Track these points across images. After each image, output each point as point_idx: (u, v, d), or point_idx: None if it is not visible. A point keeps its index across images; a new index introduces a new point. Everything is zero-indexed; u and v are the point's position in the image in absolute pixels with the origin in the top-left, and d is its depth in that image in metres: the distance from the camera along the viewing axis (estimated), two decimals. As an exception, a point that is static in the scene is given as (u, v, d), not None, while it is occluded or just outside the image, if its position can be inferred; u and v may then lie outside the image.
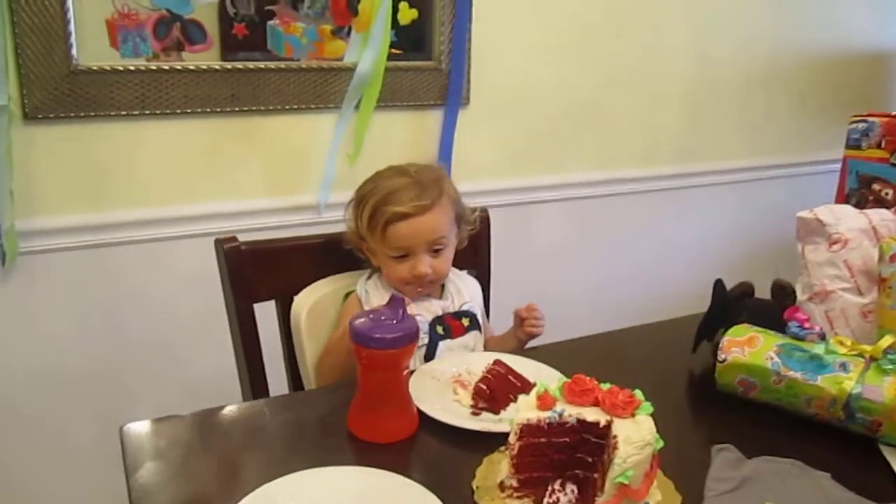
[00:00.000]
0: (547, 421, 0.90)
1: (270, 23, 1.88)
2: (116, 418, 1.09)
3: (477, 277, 1.59)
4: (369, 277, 1.38)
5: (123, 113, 1.77)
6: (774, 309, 1.21)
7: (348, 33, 1.96)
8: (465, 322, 1.37)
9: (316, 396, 1.17)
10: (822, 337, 1.11)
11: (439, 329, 1.33)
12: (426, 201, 1.29)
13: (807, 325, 1.13)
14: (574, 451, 0.92)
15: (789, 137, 2.77)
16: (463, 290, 1.42)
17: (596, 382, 0.94)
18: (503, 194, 2.27)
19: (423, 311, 1.33)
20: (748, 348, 1.12)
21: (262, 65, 1.88)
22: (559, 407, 0.91)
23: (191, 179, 1.89)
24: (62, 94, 1.70)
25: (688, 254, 2.66)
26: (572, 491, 0.92)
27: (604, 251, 2.51)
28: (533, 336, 1.38)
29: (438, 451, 1.03)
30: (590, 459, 0.92)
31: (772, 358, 1.10)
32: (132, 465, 0.95)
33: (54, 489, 1.88)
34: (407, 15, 2.01)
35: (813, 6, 2.66)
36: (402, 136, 2.12)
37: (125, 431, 1.02)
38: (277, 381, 1.44)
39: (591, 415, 0.91)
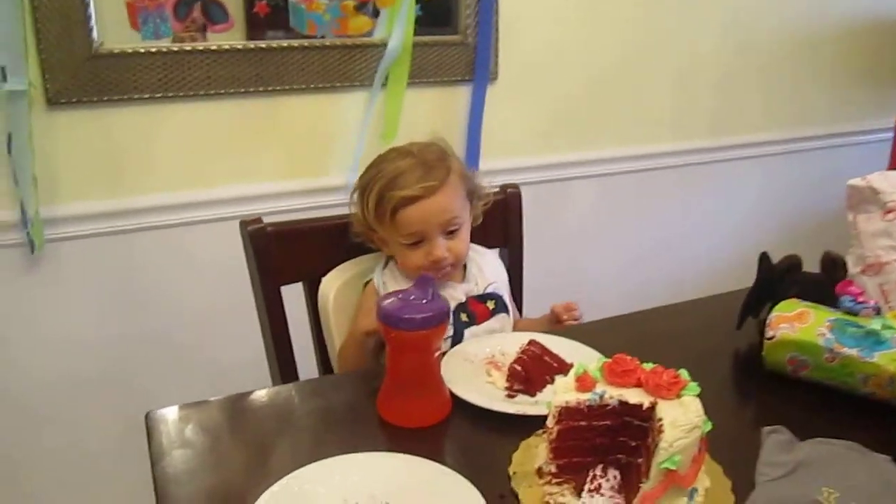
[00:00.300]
0: (587, 403, 0.86)
1: (292, 0, 1.84)
2: (141, 404, 1.06)
3: (508, 257, 1.55)
4: (385, 265, 1.33)
5: (146, 96, 1.75)
6: (825, 283, 1.15)
7: (373, 9, 1.91)
8: (491, 305, 1.31)
9: (346, 381, 1.14)
10: (878, 311, 1.05)
11: (463, 316, 1.28)
12: (434, 181, 1.22)
13: (861, 299, 1.06)
14: (616, 435, 0.88)
15: (833, 106, 2.65)
16: (485, 269, 1.36)
17: (638, 362, 0.89)
18: (533, 171, 2.21)
19: (447, 299, 1.29)
20: (798, 324, 1.06)
21: (285, 43, 1.84)
22: (600, 388, 0.86)
23: (214, 162, 1.86)
24: (83, 78, 1.68)
25: (725, 230, 2.57)
26: (615, 477, 0.87)
27: (637, 228, 2.44)
28: None
29: (473, 436, 0.99)
30: (633, 444, 0.87)
31: (824, 334, 1.04)
32: (157, 452, 0.92)
33: (78, 471, 1.88)
34: (432, -12, 1.95)
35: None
36: (430, 114, 2.07)
37: (151, 417, 0.99)
38: (307, 366, 1.42)
39: (634, 396, 0.86)
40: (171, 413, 1.01)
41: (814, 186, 2.63)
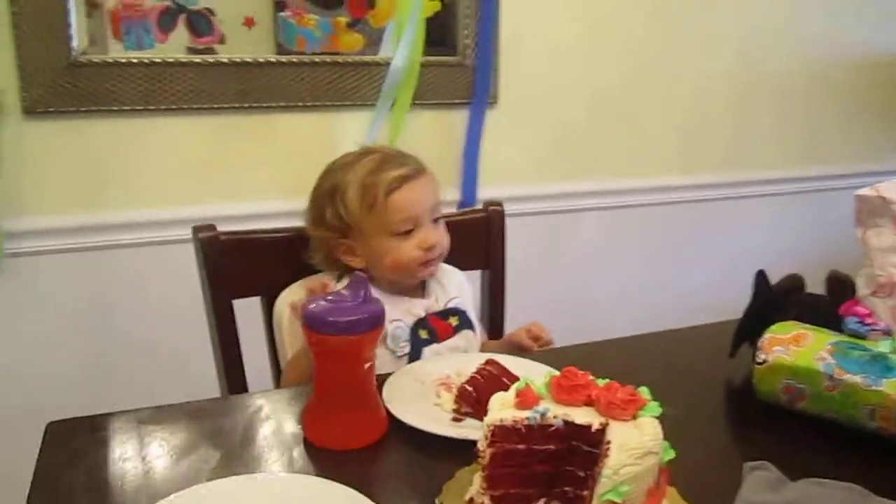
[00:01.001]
0: (525, 423, 0.72)
1: (282, 14, 1.79)
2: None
3: (490, 281, 1.43)
4: (340, 279, 1.21)
5: (126, 108, 1.69)
6: (830, 305, 1.00)
7: (368, 27, 1.84)
8: (454, 321, 1.20)
9: (280, 396, 1.01)
10: (888, 333, 0.90)
11: (423, 333, 1.17)
12: (417, 165, 1.19)
13: (868, 320, 0.92)
14: (562, 463, 0.74)
15: (850, 144, 2.50)
16: (448, 286, 1.26)
17: (591, 377, 0.75)
18: (532, 201, 2.10)
19: (403, 314, 1.17)
20: (794, 347, 0.91)
21: (273, 59, 1.78)
22: (542, 406, 0.73)
23: (196, 179, 1.79)
24: (62, 87, 1.63)
25: (732, 270, 2.40)
26: (558, 512, 0.73)
27: (640, 264, 2.29)
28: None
29: (406, 462, 0.87)
30: (581, 473, 0.73)
31: (824, 358, 0.89)
32: (43, 462, 0.81)
33: None
34: (429, 6, 1.88)
35: (869, 6, 2.41)
36: (425, 138, 1.97)
37: (50, 429, 0.88)
38: (263, 381, 1.30)
39: (582, 416, 0.72)
40: (75, 423, 0.90)
41: (829, 229, 2.45)
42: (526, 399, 0.74)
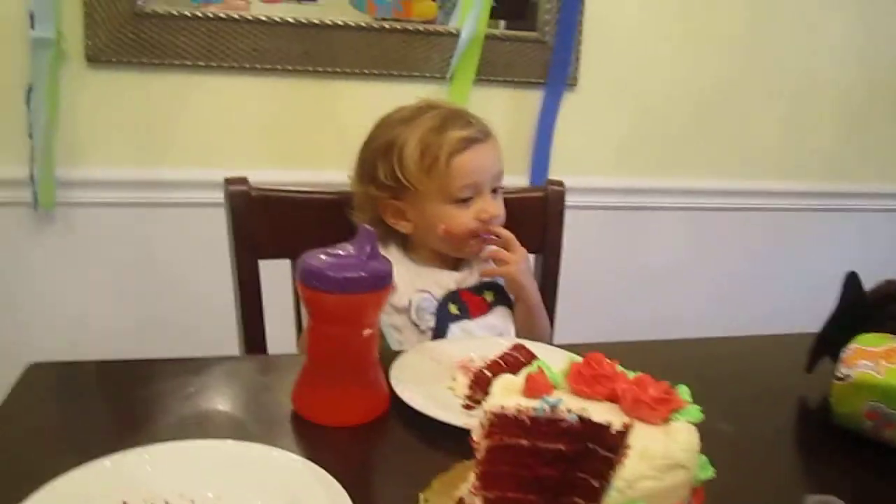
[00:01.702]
0: (531, 414, 0.60)
1: (353, -23, 1.71)
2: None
3: (542, 266, 1.30)
4: (386, 246, 1.12)
5: (188, 63, 1.65)
6: (937, 320, 0.83)
7: (442, -6, 1.75)
8: (489, 297, 1.08)
9: (288, 361, 0.91)
10: None
11: (452, 308, 1.06)
12: (484, 127, 1.09)
13: None
14: (573, 468, 0.61)
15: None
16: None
17: (619, 368, 0.62)
18: (608, 194, 1.95)
19: (433, 286, 1.06)
20: (886, 363, 0.75)
21: (340, 21, 1.70)
22: (555, 396, 0.60)
23: (253, 142, 1.73)
24: (125, 37, 1.60)
25: (823, 290, 2.18)
26: (563, 527, 0.60)
27: (724, 273, 2.10)
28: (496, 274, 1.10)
29: (400, 448, 0.75)
30: (595, 483, 0.60)
31: (923, 381, 0.72)
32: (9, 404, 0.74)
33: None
34: (503, -24, 1.76)
35: None
36: (495, 117, 1.83)
37: (29, 368, 0.82)
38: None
39: (602, 413, 0.59)
40: (50, 367, 0.83)
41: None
42: (536, 386, 0.61)
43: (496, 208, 1.09)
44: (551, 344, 0.97)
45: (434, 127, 1.07)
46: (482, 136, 1.08)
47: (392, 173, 1.08)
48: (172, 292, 1.73)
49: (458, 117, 1.08)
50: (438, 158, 1.05)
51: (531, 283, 1.12)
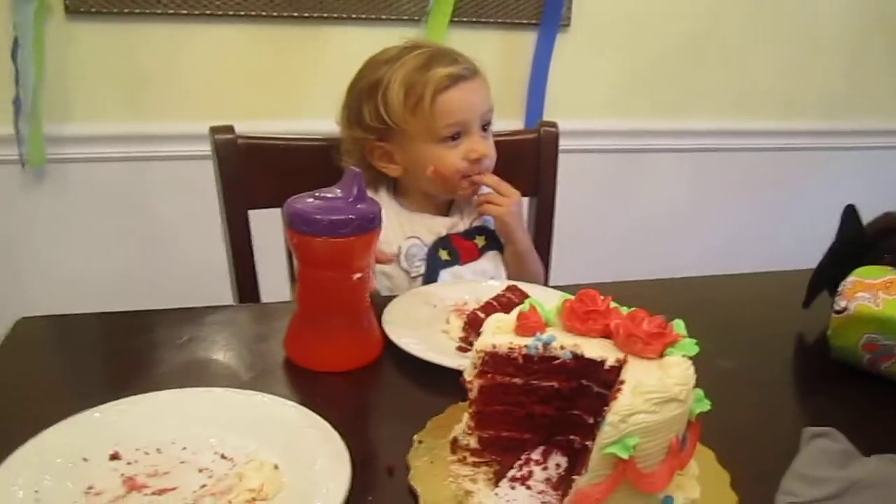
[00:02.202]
0: (524, 352, 0.59)
1: (338, -84, 1.65)
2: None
3: (537, 209, 1.28)
4: (375, 191, 1.10)
5: (171, 12, 1.60)
6: (936, 252, 0.81)
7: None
8: (480, 241, 1.07)
9: (277, 310, 0.90)
10: None
11: (443, 254, 1.04)
12: (471, 64, 1.05)
13: None
14: (568, 405, 0.60)
15: None
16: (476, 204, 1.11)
17: (613, 304, 0.61)
18: (605, 137, 1.92)
19: (423, 232, 1.05)
20: (884, 295, 0.74)
21: (326, -36, 1.65)
22: (548, 334, 0.59)
23: (240, 92, 1.69)
24: (105, -14, 1.55)
25: (830, 230, 2.17)
26: (557, 466, 0.60)
27: (723, 215, 2.08)
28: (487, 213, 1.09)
29: (395, 392, 0.75)
30: (590, 420, 0.59)
31: (922, 311, 0.71)
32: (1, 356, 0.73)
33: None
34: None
35: None
36: (488, 60, 1.78)
37: (18, 322, 0.81)
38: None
39: (596, 350, 0.58)
40: (46, 320, 0.82)
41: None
42: (529, 324, 0.60)
43: (485, 147, 1.06)
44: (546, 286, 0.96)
45: (418, 66, 1.03)
46: (468, 73, 1.05)
47: (377, 114, 1.06)
48: (165, 246, 1.72)
49: (443, 55, 1.05)
50: (423, 97, 1.02)
51: (521, 228, 1.10)
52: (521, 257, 1.09)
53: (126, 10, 1.57)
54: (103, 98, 1.62)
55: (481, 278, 1.03)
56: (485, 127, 1.08)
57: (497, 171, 1.19)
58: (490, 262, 1.07)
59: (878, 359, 0.74)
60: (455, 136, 1.04)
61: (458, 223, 1.08)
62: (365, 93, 1.07)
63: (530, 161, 1.28)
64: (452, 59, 1.04)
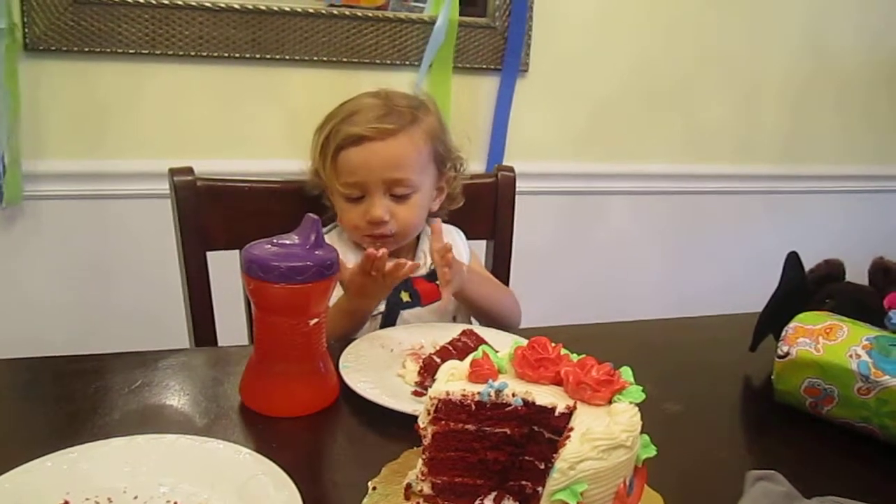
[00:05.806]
0: (476, 399, 0.60)
1: (299, -38, 1.68)
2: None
3: (494, 252, 1.30)
4: (330, 230, 1.11)
5: (131, 51, 1.60)
6: (873, 297, 0.85)
7: (392, -19, 1.73)
8: None
9: (233, 354, 0.90)
10: (942, 332, 0.75)
11: (404, 295, 1.05)
12: (390, 125, 1.02)
13: (918, 315, 0.76)
14: (520, 452, 0.61)
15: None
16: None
17: (563, 351, 0.62)
18: (563, 179, 1.96)
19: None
20: (824, 340, 0.77)
21: (287, 7, 1.67)
22: (500, 381, 0.61)
23: (200, 131, 1.69)
24: (65, 25, 1.55)
25: (770, 269, 2.23)
26: (510, 510, 0.60)
27: (680, 258, 2.14)
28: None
29: (351, 437, 0.75)
30: (542, 466, 0.60)
31: (859, 356, 0.74)
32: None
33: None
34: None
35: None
36: (451, 104, 1.85)
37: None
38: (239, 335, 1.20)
39: (547, 396, 0.60)
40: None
41: (890, 235, 2.25)
42: (481, 371, 0.61)
43: (380, 211, 1.02)
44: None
45: (343, 117, 1.04)
46: (378, 134, 1.01)
47: (314, 156, 1.09)
48: (123, 287, 1.69)
49: (369, 110, 1.03)
50: (329, 150, 1.04)
51: (475, 280, 1.07)
52: (489, 298, 1.09)
53: (86, 49, 1.57)
54: (56, 135, 1.60)
55: (441, 317, 1.04)
56: (399, 195, 1.04)
57: (456, 214, 1.21)
58: (453, 302, 1.07)
59: (819, 402, 0.77)
60: (357, 196, 1.03)
61: (422, 268, 1.08)
62: (316, 132, 1.09)
63: (488, 205, 1.30)
64: (375, 117, 1.02)
